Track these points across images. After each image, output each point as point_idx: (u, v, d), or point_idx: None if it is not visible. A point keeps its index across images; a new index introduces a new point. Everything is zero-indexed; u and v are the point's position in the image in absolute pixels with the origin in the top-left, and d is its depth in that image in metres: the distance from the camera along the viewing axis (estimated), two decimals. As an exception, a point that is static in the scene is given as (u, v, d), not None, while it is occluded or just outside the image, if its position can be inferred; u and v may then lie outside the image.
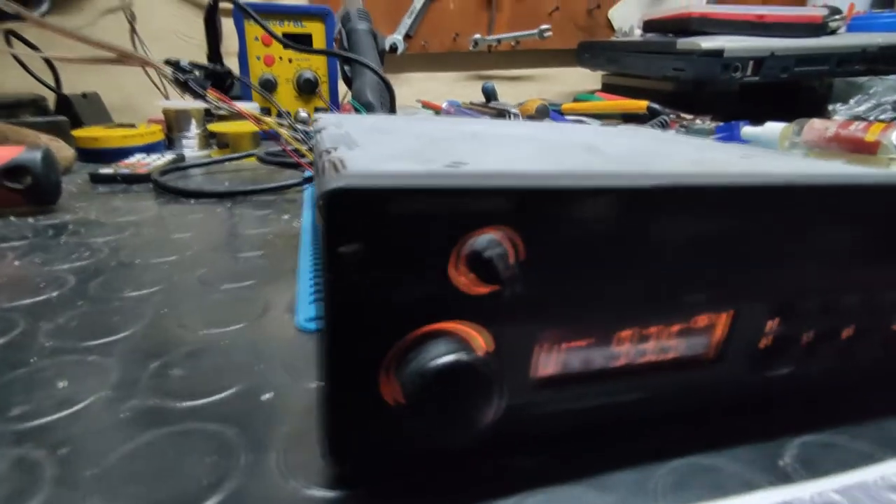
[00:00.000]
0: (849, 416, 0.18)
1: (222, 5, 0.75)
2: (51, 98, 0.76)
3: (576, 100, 0.94)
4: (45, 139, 0.53)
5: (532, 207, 0.13)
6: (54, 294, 0.26)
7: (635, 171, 0.15)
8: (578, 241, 0.14)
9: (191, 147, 0.65)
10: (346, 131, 0.23)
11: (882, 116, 0.70)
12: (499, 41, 1.05)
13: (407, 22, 1.02)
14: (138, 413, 0.17)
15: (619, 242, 0.14)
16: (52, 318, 0.24)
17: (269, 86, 0.76)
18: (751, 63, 0.72)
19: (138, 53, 0.42)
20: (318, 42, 0.77)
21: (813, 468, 0.16)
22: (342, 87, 0.79)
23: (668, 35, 0.82)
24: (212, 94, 0.44)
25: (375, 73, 0.65)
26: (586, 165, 0.17)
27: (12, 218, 0.38)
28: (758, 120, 0.61)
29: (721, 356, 0.17)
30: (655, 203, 0.14)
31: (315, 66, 0.78)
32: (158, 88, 0.85)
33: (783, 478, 0.15)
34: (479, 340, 0.14)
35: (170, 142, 0.65)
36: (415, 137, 0.22)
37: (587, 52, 0.99)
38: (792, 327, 0.17)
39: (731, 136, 0.62)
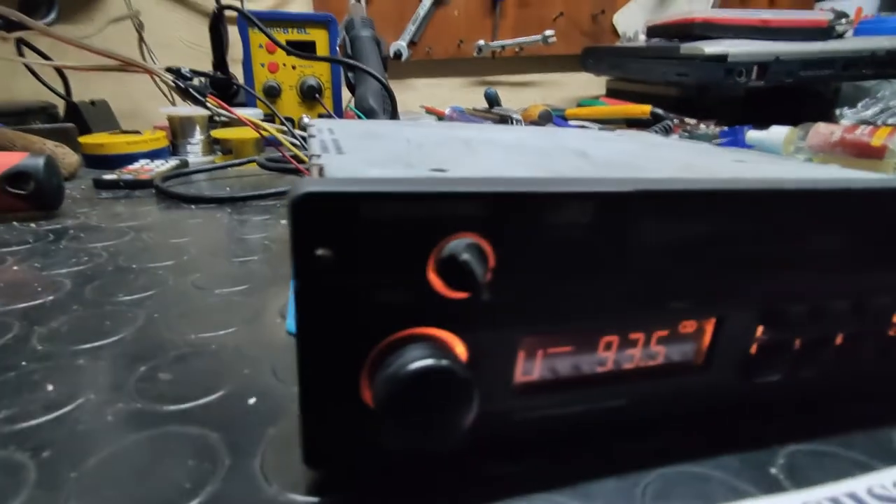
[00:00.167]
0: (840, 425, 0.18)
1: (227, 13, 0.76)
2: (61, 105, 0.77)
3: (580, 105, 0.94)
4: (51, 145, 0.53)
5: (503, 213, 0.13)
6: (50, 298, 0.26)
7: (616, 176, 0.15)
8: (554, 247, 0.14)
9: (195, 153, 0.66)
10: (335, 137, 0.23)
11: (890, 120, 0.70)
12: (503, 47, 1.05)
13: (411, 29, 1.03)
14: (123, 416, 0.17)
15: (597, 248, 0.14)
16: (45, 322, 0.24)
17: (272, 92, 0.77)
18: (755, 68, 0.72)
19: (139, 61, 0.43)
20: (322, 49, 0.78)
21: (803, 477, 0.15)
22: (345, 94, 0.79)
23: (673, 40, 0.81)
24: (211, 101, 0.45)
25: (377, 79, 0.66)
26: (573, 171, 0.17)
27: (15, 223, 0.39)
28: (763, 124, 0.61)
29: (708, 362, 0.17)
30: (632, 208, 0.14)
31: (318, 72, 0.78)
32: (165, 96, 0.86)
33: (773, 486, 0.15)
34: (457, 345, 0.14)
35: (174, 148, 0.66)
36: (403, 143, 0.22)
37: (591, 58, 0.99)
38: (781, 334, 0.17)
39: (736, 141, 0.62)
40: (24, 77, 0.78)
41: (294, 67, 0.77)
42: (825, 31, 0.77)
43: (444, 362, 0.12)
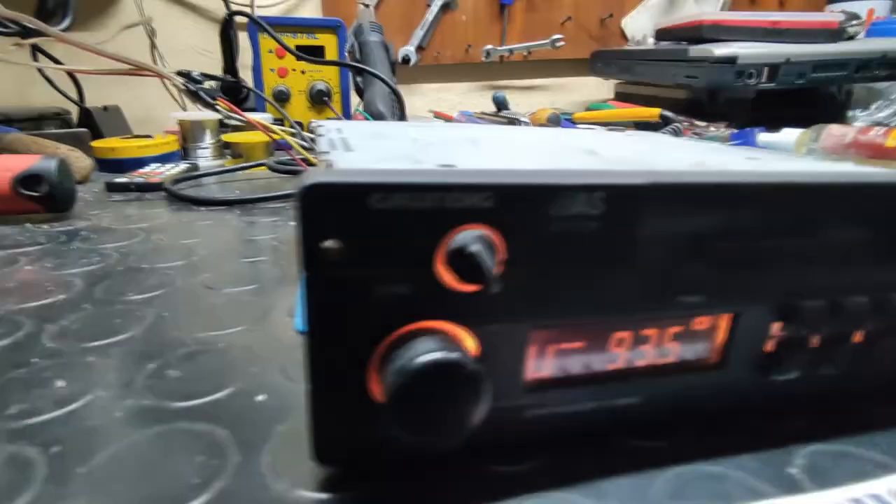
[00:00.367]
0: (860, 424, 0.17)
1: (238, 19, 0.77)
2: (74, 111, 0.79)
3: (588, 109, 0.94)
4: (64, 150, 0.54)
5: (513, 205, 0.13)
6: (61, 297, 0.26)
7: (625, 169, 0.14)
8: (565, 240, 0.13)
9: (205, 157, 0.66)
10: (344, 136, 0.23)
11: (904, 122, 0.69)
12: (511, 51, 1.05)
13: (419, 34, 1.03)
14: (132, 413, 0.17)
15: (608, 241, 0.14)
16: (56, 321, 0.24)
17: (282, 97, 0.77)
18: (765, 70, 0.71)
19: (151, 65, 0.43)
20: (331, 54, 0.78)
21: (823, 477, 0.15)
22: (354, 98, 0.80)
23: (681, 43, 0.81)
24: (221, 104, 0.45)
25: (386, 83, 0.66)
26: (582, 167, 0.17)
27: (28, 224, 0.39)
28: (774, 127, 0.60)
29: (724, 359, 0.16)
30: (644, 201, 0.14)
31: (327, 77, 0.79)
32: (176, 101, 0.87)
33: (792, 487, 0.15)
34: (467, 339, 0.14)
35: (185, 152, 0.67)
36: (411, 141, 0.22)
37: (600, 61, 0.99)
38: (798, 330, 0.17)
39: (746, 143, 0.61)
40: (38, 84, 0.80)
41: (303, 72, 0.78)
42: (836, 33, 0.76)
43: (455, 355, 0.12)
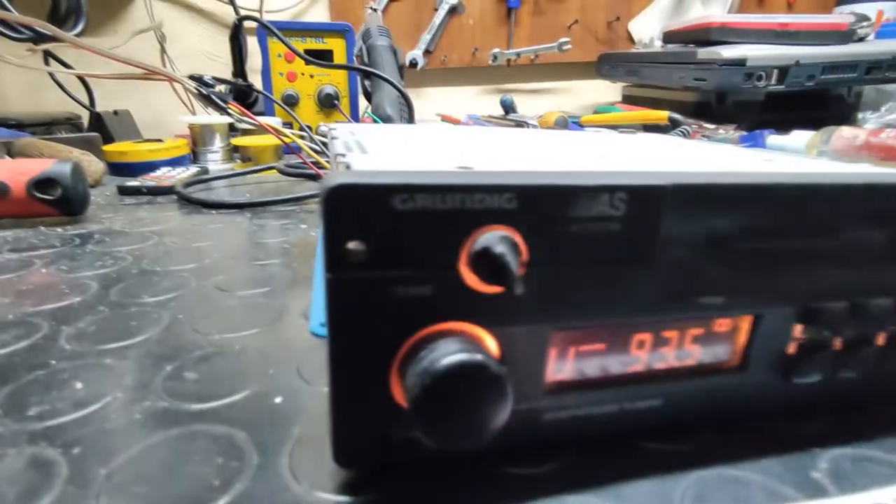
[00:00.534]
0: (885, 428, 0.17)
1: (247, 24, 0.78)
2: (85, 116, 0.79)
3: (596, 112, 0.94)
4: (76, 154, 0.54)
5: (536, 206, 0.13)
6: (77, 300, 0.27)
7: (646, 170, 0.14)
8: (587, 241, 0.13)
9: (215, 160, 0.66)
10: (358, 139, 0.23)
11: (916, 124, 0.68)
12: (518, 55, 1.05)
13: (427, 38, 1.04)
14: (150, 415, 0.17)
15: (630, 243, 0.14)
16: (73, 323, 0.24)
17: (291, 101, 0.78)
18: (775, 72, 0.71)
19: (164, 69, 0.44)
20: (339, 58, 0.78)
21: (848, 482, 0.15)
22: (362, 102, 0.80)
23: (689, 45, 0.81)
24: (233, 108, 0.45)
25: (394, 86, 0.66)
26: (597, 168, 0.17)
27: (42, 227, 0.40)
28: (783, 129, 0.60)
29: (745, 361, 0.16)
30: (667, 202, 0.14)
31: (336, 81, 0.79)
32: (186, 105, 0.87)
33: (816, 491, 0.15)
34: (489, 341, 0.14)
35: (195, 156, 0.67)
36: (426, 143, 0.22)
37: (607, 64, 0.99)
38: (821, 333, 0.16)
39: (756, 146, 0.61)
40: (50, 89, 0.81)
41: (312, 76, 0.78)
42: (846, 35, 0.76)
43: (479, 357, 0.12)
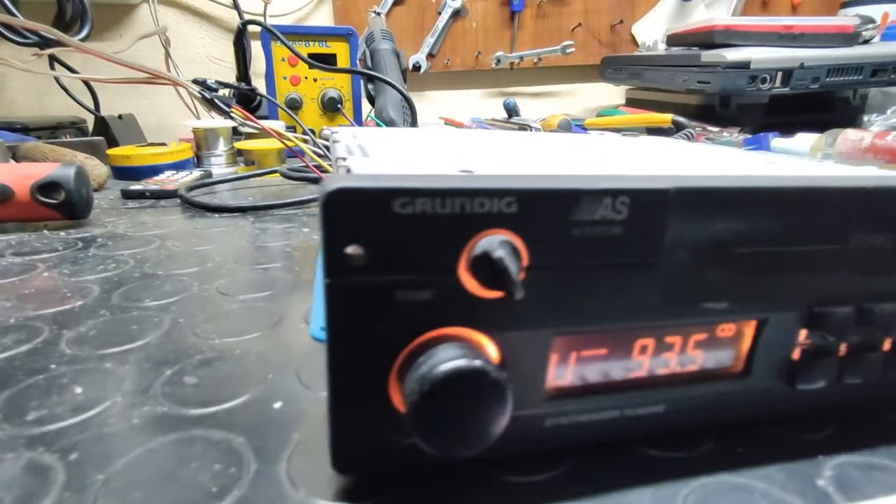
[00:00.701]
0: (892, 435, 0.17)
1: (251, 28, 0.78)
2: (90, 120, 0.80)
3: (599, 115, 0.94)
4: (80, 157, 0.55)
5: (537, 210, 0.13)
6: (78, 303, 0.27)
7: (649, 174, 0.14)
8: (589, 245, 0.13)
9: (218, 164, 0.67)
10: (359, 142, 0.23)
11: (922, 127, 0.68)
12: (521, 58, 1.06)
13: (430, 41, 1.04)
14: (149, 420, 0.17)
15: (632, 247, 0.14)
16: (74, 327, 0.24)
17: (294, 105, 0.78)
18: (779, 74, 0.71)
19: (168, 73, 0.44)
20: (343, 61, 0.79)
21: (854, 490, 0.15)
22: (366, 106, 0.80)
23: (693, 48, 0.81)
24: (237, 112, 0.45)
25: (397, 90, 0.66)
26: (603, 172, 0.17)
27: (46, 231, 0.40)
28: (789, 131, 0.60)
29: (749, 367, 0.16)
30: (669, 206, 0.14)
31: (339, 84, 0.79)
32: (190, 109, 0.88)
33: (822, 500, 0.14)
34: (489, 346, 0.13)
35: (198, 159, 0.67)
36: (428, 147, 0.22)
37: (610, 67, 0.99)
38: (826, 338, 0.16)
39: (760, 149, 0.60)
40: (55, 94, 0.81)
41: (315, 80, 0.78)
42: (851, 37, 0.75)
43: (478, 363, 0.12)
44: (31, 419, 0.17)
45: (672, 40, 0.88)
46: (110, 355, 0.22)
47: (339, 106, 0.78)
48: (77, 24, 0.60)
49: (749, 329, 0.16)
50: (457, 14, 1.04)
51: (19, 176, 0.39)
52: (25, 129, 0.70)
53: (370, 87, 0.74)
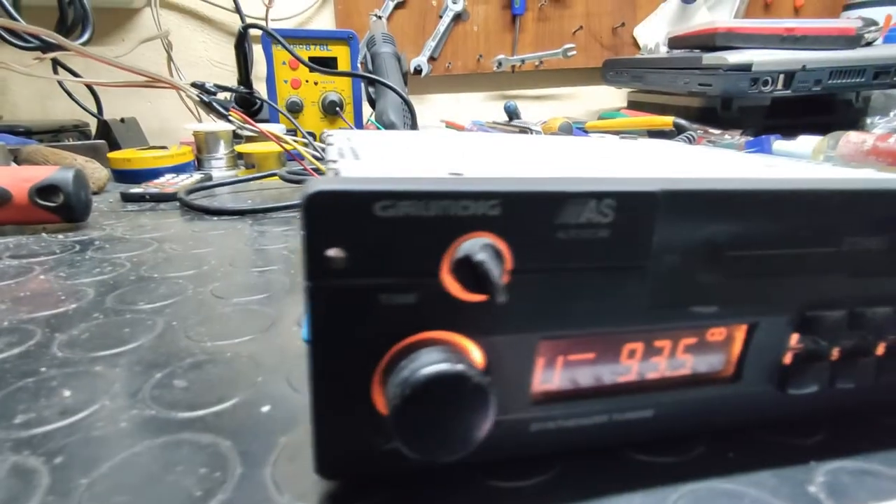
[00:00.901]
0: (883, 441, 0.16)
1: (252, 32, 0.78)
2: (93, 124, 0.80)
3: (601, 117, 0.94)
4: (81, 161, 0.55)
5: (520, 212, 0.12)
6: (72, 306, 0.27)
7: (637, 176, 0.14)
8: (575, 248, 0.13)
9: (219, 167, 0.67)
10: (353, 145, 0.23)
11: (925, 129, 0.67)
12: (522, 61, 1.06)
13: (431, 44, 1.04)
14: (137, 423, 0.17)
15: (619, 250, 0.13)
16: (66, 330, 0.24)
17: (295, 108, 0.78)
18: (781, 77, 0.70)
19: (165, 77, 0.44)
20: (343, 65, 0.79)
21: (845, 496, 0.14)
22: (366, 109, 0.80)
23: (694, 51, 0.80)
24: (234, 115, 0.45)
25: (398, 93, 0.66)
26: (592, 174, 0.17)
27: (44, 234, 0.40)
28: (791, 134, 0.59)
29: (740, 372, 0.16)
30: (657, 209, 0.13)
31: (340, 88, 0.79)
32: (192, 112, 0.88)
33: (812, 507, 0.14)
34: (473, 350, 0.13)
35: (199, 163, 0.67)
36: (423, 150, 0.22)
37: (612, 70, 0.99)
38: (817, 342, 0.16)
39: (762, 151, 0.60)
40: (58, 97, 0.82)
41: (316, 83, 0.78)
42: (853, 40, 0.75)
43: (459, 367, 0.12)
44: (19, 422, 0.17)
45: (674, 43, 0.88)
46: (101, 358, 0.21)
47: (340, 109, 0.78)
48: (78, 28, 0.60)
49: (740, 333, 0.16)
50: (458, 17, 1.04)
51: (18, 179, 0.39)
52: (28, 133, 0.70)
53: (371, 90, 0.75)
